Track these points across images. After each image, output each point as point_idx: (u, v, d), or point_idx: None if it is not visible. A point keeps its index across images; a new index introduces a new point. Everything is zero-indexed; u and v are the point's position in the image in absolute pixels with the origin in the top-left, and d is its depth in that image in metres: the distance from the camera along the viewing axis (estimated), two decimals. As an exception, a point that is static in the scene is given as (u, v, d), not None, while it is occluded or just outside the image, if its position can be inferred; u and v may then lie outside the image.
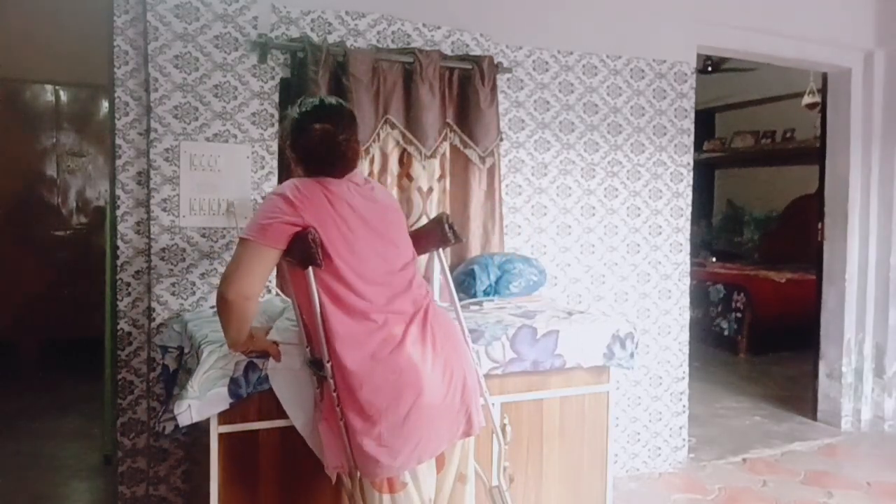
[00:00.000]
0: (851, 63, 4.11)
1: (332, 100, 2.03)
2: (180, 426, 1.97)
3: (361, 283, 1.89)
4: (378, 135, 2.83)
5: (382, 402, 1.84)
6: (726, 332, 6.34)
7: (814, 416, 4.33)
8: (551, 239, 3.30)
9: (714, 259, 7.69)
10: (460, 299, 2.83)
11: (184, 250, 2.67)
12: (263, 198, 2.52)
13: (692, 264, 3.81)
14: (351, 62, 2.73)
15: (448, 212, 3.00)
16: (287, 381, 2.05)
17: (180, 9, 2.62)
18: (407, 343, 1.88)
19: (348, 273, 1.87)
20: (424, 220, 2.92)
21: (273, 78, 2.76)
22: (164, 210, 2.64)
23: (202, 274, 2.69)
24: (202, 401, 1.96)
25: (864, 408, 4.22)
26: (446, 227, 2.12)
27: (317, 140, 1.92)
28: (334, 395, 1.86)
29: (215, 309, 1.92)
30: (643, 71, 3.48)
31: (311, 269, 1.85)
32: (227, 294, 1.82)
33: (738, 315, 6.27)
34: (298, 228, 1.83)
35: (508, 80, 3.17)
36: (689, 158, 3.63)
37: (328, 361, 1.87)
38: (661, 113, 3.53)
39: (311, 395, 2.03)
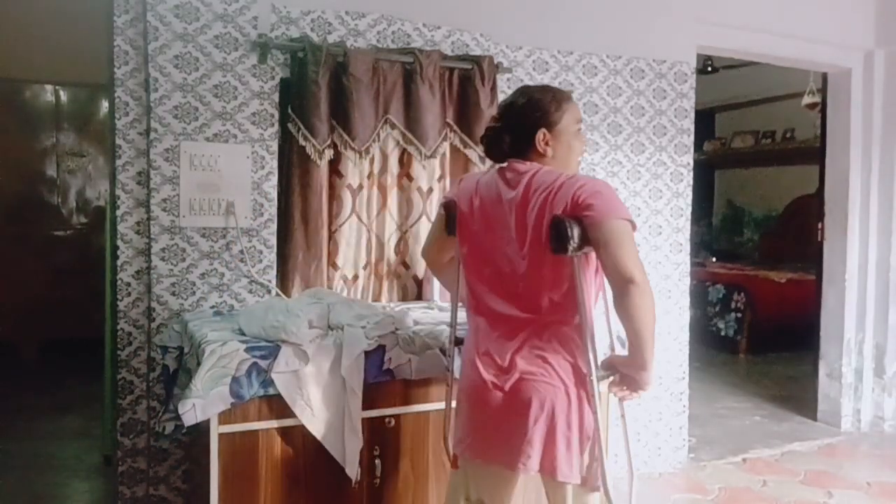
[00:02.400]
0: (851, 63, 4.11)
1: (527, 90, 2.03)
2: (185, 425, 1.97)
3: (473, 275, 1.94)
4: (378, 135, 2.83)
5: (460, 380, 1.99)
6: (726, 333, 6.34)
7: (814, 416, 4.33)
8: (551, 239, 3.30)
9: (714, 259, 7.69)
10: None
11: (184, 250, 2.67)
12: None
13: (692, 264, 3.81)
14: (351, 62, 2.73)
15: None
16: (291, 382, 2.05)
17: (180, 9, 2.62)
18: (489, 344, 1.88)
19: (468, 263, 1.96)
20: (424, 221, 2.93)
21: (273, 78, 2.76)
22: (164, 210, 2.64)
23: (202, 274, 2.69)
24: (206, 399, 1.96)
25: (864, 408, 4.22)
26: (552, 230, 1.76)
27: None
28: None
29: None
30: (643, 71, 3.48)
31: (457, 241, 1.98)
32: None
33: (738, 315, 6.27)
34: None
35: (508, 80, 3.17)
36: (689, 158, 3.63)
37: None
38: (661, 113, 3.53)
39: (318, 396, 2.07)
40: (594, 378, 1.77)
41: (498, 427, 1.83)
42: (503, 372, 1.83)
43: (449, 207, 1.98)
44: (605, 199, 1.73)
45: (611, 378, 1.83)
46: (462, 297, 2.04)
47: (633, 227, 1.74)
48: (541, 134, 1.87)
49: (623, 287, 1.68)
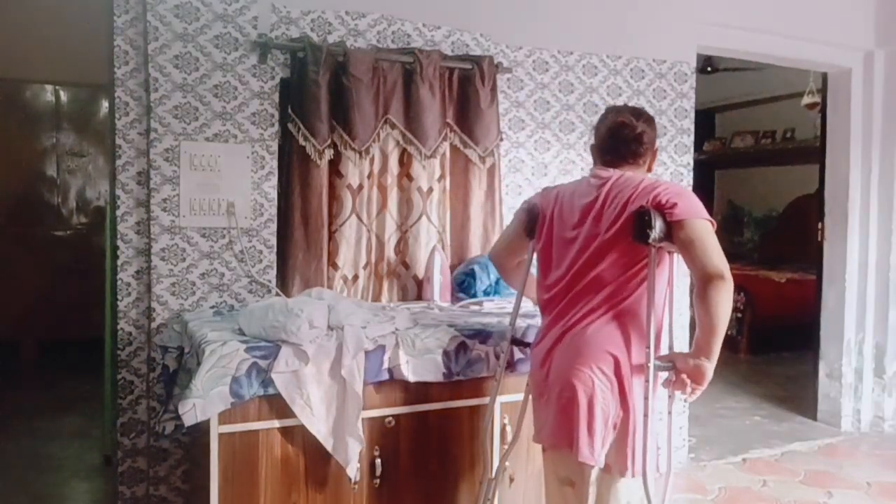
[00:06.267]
0: (851, 63, 4.11)
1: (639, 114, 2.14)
2: (185, 425, 1.97)
3: (544, 273, 2.09)
4: (378, 135, 2.83)
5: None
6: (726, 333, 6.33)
7: (814, 416, 4.33)
8: (551, 239, 3.30)
9: (714, 259, 7.67)
10: (459, 300, 2.85)
11: (184, 250, 2.67)
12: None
13: (692, 264, 3.80)
14: (351, 62, 2.73)
15: (447, 211, 3.01)
16: (291, 382, 2.05)
17: (180, 9, 2.62)
18: (545, 340, 2.02)
19: (541, 260, 2.10)
20: (424, 221, 2.93)
21: (273, 78, 2.76)
22: (164, 210, 2.64)
23: (202, 274, 2.69)
24: (206, 399, 1.96)
25: (864, 408, 4.22)
26: (636, 219, 1.88)
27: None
28: None
29: None
30: (643, 71, 3.48)
31: (531, 242, 2.14)
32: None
33: (738, 315, 6.26)
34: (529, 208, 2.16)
35: (508, 80, 3.17)
36: (689, 158, 3.63)
37: None
38: (661, 113, 3.53)
39: (318, 396, 2.07)
40: (651, 366, 1.88)
41: (550, 412, 1.96)
42: (552, 362, 1.96)
43: (531, 211, 2.13)
44: (688, 199, 1.88)
45: (666, 375, 1.93)
46: (531, 297, 2.23)
47: (714, 226, 1.87)
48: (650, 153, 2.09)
49: (712, 281, 1.79)
